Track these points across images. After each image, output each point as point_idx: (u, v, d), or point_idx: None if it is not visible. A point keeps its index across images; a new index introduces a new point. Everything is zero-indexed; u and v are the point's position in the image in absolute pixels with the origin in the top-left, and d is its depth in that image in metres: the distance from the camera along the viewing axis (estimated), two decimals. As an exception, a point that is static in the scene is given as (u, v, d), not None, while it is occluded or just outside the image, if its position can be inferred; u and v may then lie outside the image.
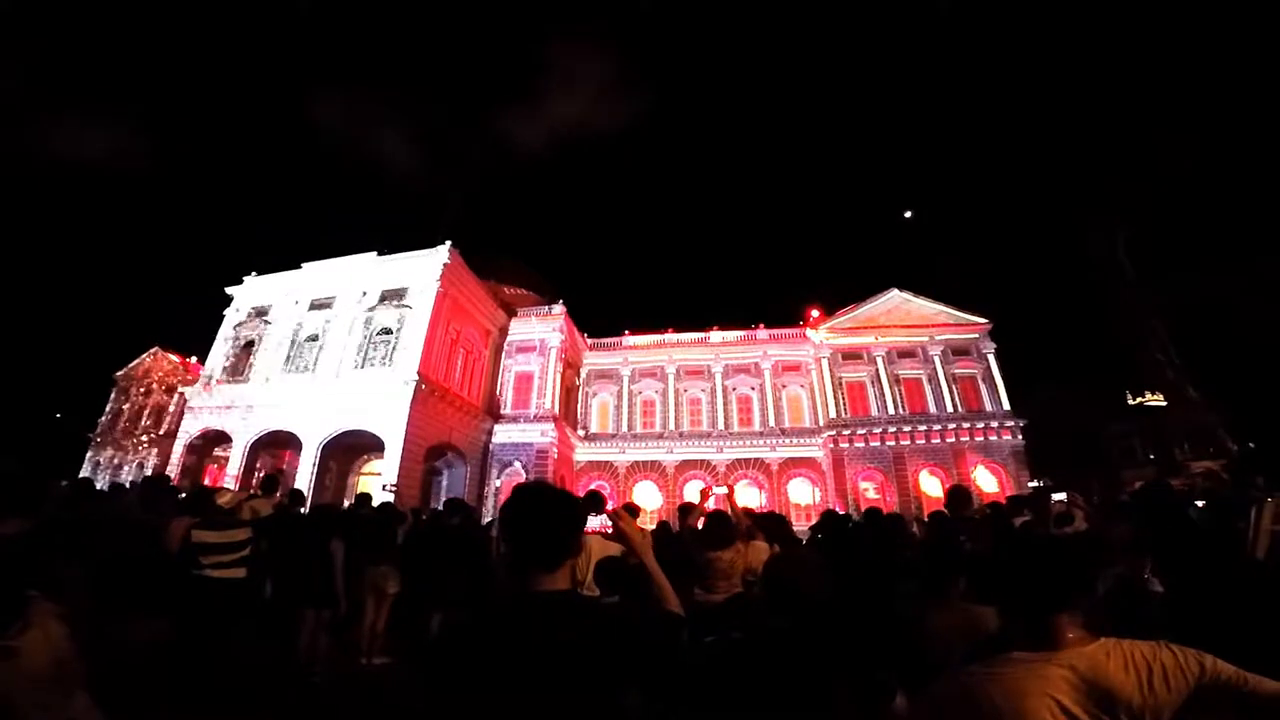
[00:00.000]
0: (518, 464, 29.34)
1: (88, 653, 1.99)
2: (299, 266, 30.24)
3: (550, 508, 1.61)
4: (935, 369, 31.54)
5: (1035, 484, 27.19)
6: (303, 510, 7.51)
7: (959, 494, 5.93)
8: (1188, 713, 1.26)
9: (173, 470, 25.42)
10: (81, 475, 32.26)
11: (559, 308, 33.25)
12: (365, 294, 28.10)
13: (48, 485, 5.36)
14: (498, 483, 29.06)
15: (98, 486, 7.38)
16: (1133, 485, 19.25)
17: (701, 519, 6.05)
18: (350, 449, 27.55)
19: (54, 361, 65.53)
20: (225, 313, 30.60)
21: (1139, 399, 48.70)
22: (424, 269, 27.70)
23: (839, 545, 5.98)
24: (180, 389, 36.04)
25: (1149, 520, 3.63)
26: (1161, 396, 43.31)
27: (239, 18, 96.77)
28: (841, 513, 13.30)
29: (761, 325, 35.73)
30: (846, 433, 30.49)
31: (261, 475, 20.78)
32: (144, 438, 38.27)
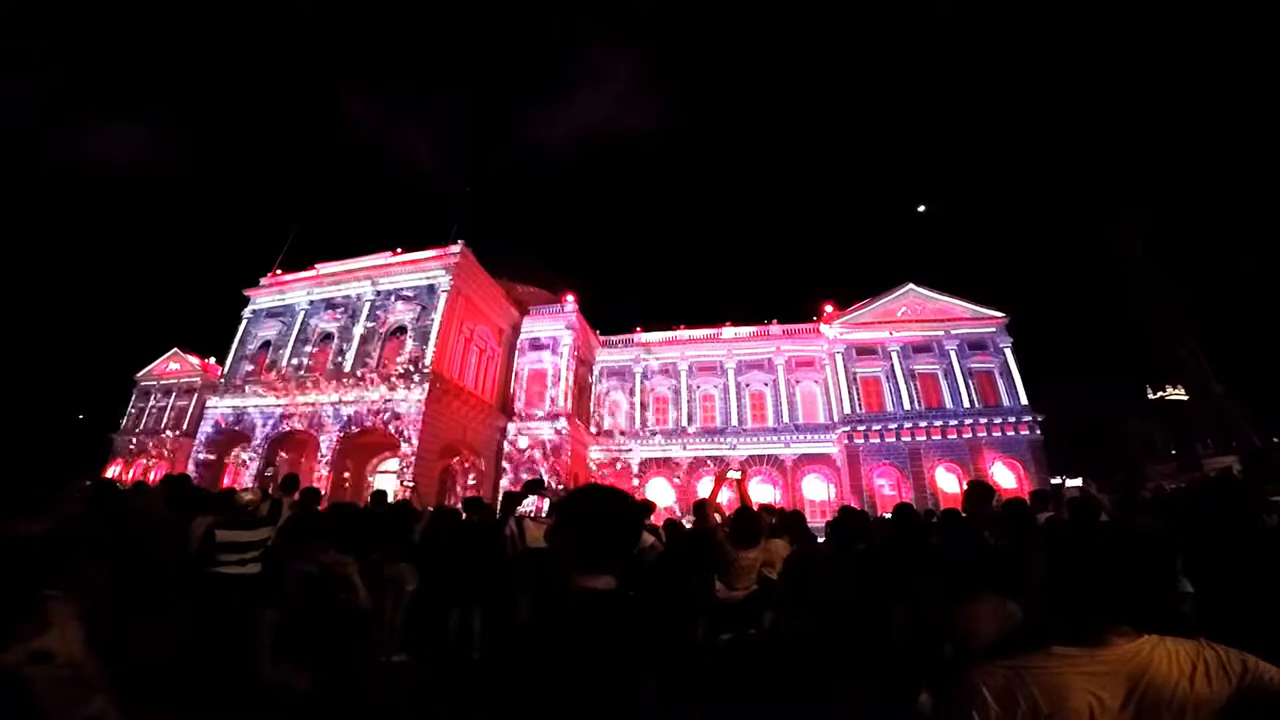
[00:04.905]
0: (532, 461, 29.43)
1: (108, 652, 1.98)
2: (314, 267, 30.63)
3: (613, 510, 1.62)
4: (951, 364, 31.19)
5: (1058, 480, 26.82)
6: (319, 508, 7.56)
7: (979, 488, 5.78)
8: (1228, 714, 1.23)
9: (192, 469, 25.87)
10: (104, 475, 32.85)
11: (571, 305, 33.39)
12: (379, 293, 28.43)
13: (71, 484, 5.44)
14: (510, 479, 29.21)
15: (120, 486, 7.49)
16: (1152, 480, 18.91)
17: (718, 514, 5.98)
18: (366, 447, 27.84)
19: (76, 364, 66.77)
20: (242, 314, 31.10)
21: (1160, 393, 47.94)
22: (437, 267, 27.92)
23: (861, 543, 5.89)
24: (199, 389, 36.63)
25: (1209, 520, 3.39)
26: (1183, 390, 42.55)
27: (256, 18, 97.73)
28: (858, 509, 13.19)
29: (775, 321, 35.58)
30: (861, 428, 30.22)
31: (281, 474, 21.03)
32: (164, 438, 38.90)
